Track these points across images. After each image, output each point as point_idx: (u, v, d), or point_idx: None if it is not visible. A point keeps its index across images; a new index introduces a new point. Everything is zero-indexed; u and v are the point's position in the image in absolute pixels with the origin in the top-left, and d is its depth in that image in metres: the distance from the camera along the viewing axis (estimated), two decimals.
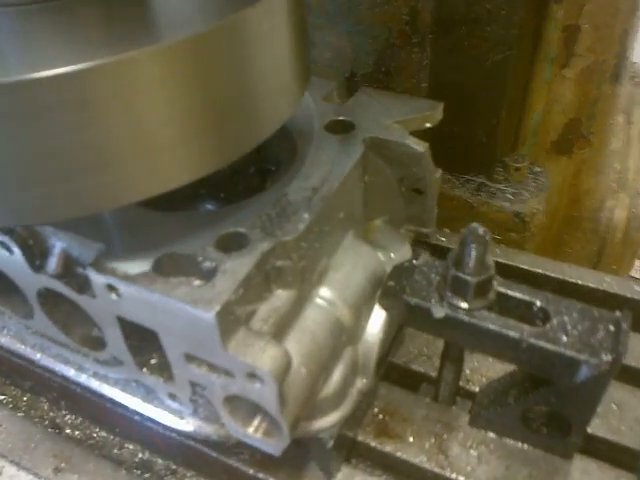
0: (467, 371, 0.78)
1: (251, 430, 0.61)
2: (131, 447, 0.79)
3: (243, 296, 0.53)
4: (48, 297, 0.64)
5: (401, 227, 0.81)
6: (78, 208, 0.52)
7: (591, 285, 0.85)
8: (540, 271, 0.88)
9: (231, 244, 0.56)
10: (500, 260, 0.90)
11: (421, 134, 1.02)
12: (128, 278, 0.54)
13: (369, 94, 0.76)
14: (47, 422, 0.82)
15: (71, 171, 0.49)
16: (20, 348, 0.74)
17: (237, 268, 0.53)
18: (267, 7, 0.54)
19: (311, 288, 0.63)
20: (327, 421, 0.65)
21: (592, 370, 0.58)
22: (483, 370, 0.78)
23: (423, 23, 1.00)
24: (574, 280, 0.86)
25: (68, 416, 0.82)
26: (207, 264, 0.55)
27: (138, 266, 0.56)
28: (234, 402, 0.59)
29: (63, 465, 0.72)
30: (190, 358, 0.57)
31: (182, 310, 0.51)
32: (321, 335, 0.61)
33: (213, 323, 0.50)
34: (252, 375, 0.53)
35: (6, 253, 0.61)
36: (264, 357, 0.52)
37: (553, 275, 0.87)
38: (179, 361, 0.58)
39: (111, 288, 0.55)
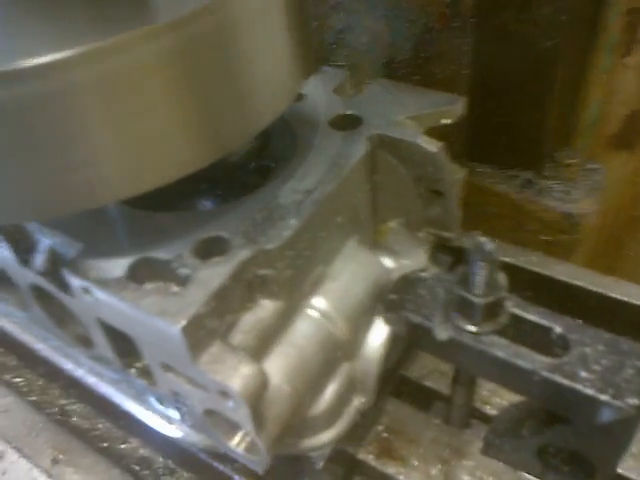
0: (484, 392, 0.71)
1: (234, 443, 0.57)
2: (134, 442, 0.78)
3: (217, 307, 0.49)
4: (42, 291, 0.63)
5: (420, 230, 0.75)
6: (65, 205, 0.48)
7: (637, 303, 0.75)
8: (580, 284, 0.80)
9: (212, 249, 0.52)
10: (535, 269, 0.82)
11: (459, 124, 0.94)
12: (100, 282, 0.51)
13: (384, 85, 0.69)
14: (57, 409, 0.82)
15: (57, 166, 0.45)
16: (24, 336, 0.74)
17: (211, 277, 0.49)
18: None
19: (302, 298, 0.58)
20: (318, 440, 0.61)
21: (614, 413, 0.50)
22: (503, 392, 0.71)
23: (465, 5, 0.91)
24: (618, 296, 0.77)
25: (77, 405, 0.82)
26: (183, 270, 0.51)
27: (117, 268, 0.53)
28: (216, 413, 0.56)
29: (61, 457, 0.72)
30: (167, 367, 0.54)
31: (150, 320, 0.48)
32: (310, 349, 0.57)
33: (179, 337, 0.47)
34: (224, 393, 0.49)
35: None
36: (235, 376, 0.48)
37: (594, 289, 0.78)
38: (157, 369, 0.55)
39: (86, 290, 0.52)
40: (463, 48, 0.93)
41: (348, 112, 0.65)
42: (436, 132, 0.64)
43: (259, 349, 0.54)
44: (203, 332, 0.49)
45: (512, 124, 0.97)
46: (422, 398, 0.73)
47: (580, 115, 1.01)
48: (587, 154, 1.03)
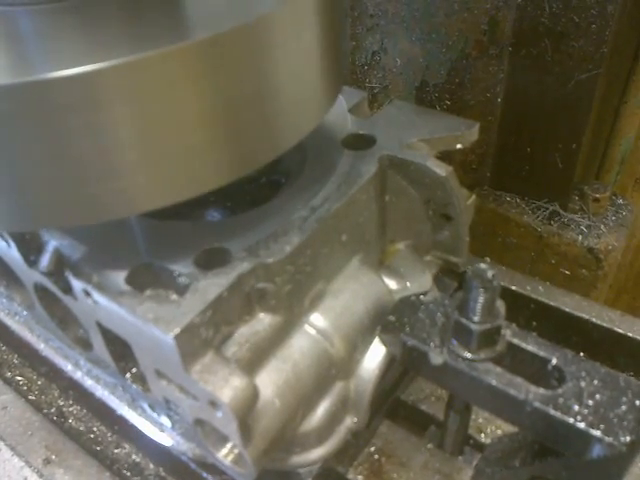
0: (480, 420, 0.71)
1: (222, 454, 0.57)
2: (127, 447, 0.79)
3: (213, 318, 0.50)
4: (45, 291, 0.64)
5: (428, 253, 0.75)
6: (91, 215, 0.48)
7: None
8: (585, 316, 0.79)
9: (213, 260, 0.53)
10: (541, 299, 0.82)
11: (486, 151, 0.91)
12: (100, 286, 0.52)
13: (400, 108, 0.70)
14: (54, 410, 0.83)
15: (86, 176, 0.45)
16: (27, 336, 0.74)
17: (209, 288, 0.50)
18: (292, 10, 0.49)
19: (301, 314, 0.58)
20: (307, 457, 0.60)
21: (605, 449, 0.50)
22: (499, 421, 0.71)
23: (502, 34, 0.92)
24: (622, 331, 0.76)
25: (74, 407, 0.83)
26: (183, 279, 0.52)
27: (120, 273, 0.54)
28: (205, 423, 0.56)
29: (53, 457, 0.73)
30: (160, 374, 0.54)
31: (145, 327, 0.49)
32: (304, 365, 0.57)
33: (172, 345, 0.47)
34: (213, 403, 0.49)
35: (5, 244, 0.61)
36: (225, 387, 0.48)
37: (598, 322, 0.77)
38: (151, 375, 0.55)
39: (86, 293, 0.53)
40: (498, 76, 0.93)
41: (361, 132, 0.65)
42: (456, 158, 0.64)
43: (253, 362, 0.54)
44: (197, 341, 0.49)
45: (542, 154, 0.96)
46: (417, 422, 0.72)
47: (613, 149, 0.99)
48: (616, 189, 1.02)
